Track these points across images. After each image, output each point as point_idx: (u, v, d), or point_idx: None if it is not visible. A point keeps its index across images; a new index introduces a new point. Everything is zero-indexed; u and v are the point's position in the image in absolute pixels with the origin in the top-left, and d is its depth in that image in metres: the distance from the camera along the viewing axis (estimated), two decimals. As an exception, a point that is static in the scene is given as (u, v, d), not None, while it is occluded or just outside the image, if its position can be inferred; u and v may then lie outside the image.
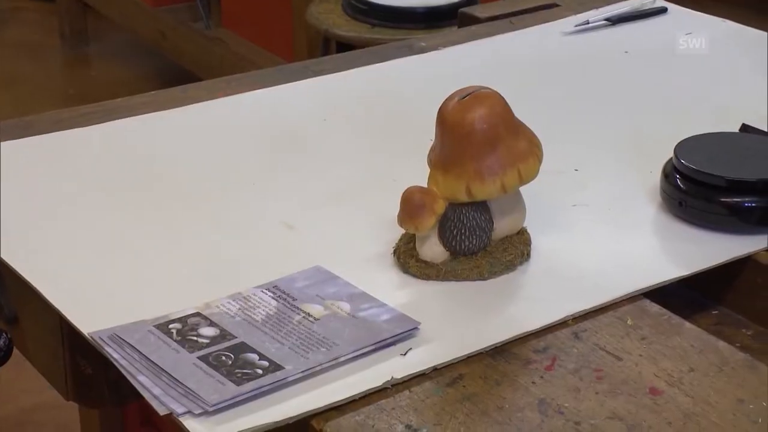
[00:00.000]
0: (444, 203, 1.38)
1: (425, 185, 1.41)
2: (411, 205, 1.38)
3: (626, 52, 2.09)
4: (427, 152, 1.44)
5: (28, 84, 4.37)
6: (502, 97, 1.43)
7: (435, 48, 2.13)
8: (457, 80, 1.82)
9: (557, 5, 2.35)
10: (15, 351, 1.46)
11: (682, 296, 1.47)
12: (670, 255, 1.52)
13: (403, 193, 1.39)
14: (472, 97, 1.40)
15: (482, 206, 1.40)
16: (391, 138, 1.46)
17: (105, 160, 1.74)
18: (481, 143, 1.37)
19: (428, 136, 1.47)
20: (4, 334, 1.37)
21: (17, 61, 4.64)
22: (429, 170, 1.42)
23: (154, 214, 1.59)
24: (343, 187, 1.61)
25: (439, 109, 1.41)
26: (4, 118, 1.88)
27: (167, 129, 1.85)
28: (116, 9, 4.30)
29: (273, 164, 1.74)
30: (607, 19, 2.14)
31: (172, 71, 3.99)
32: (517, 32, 2.19)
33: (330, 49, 2.99)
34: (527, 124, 1.76)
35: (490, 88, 1.44)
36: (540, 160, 1.43)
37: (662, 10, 2.22)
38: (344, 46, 2.86)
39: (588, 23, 2.14)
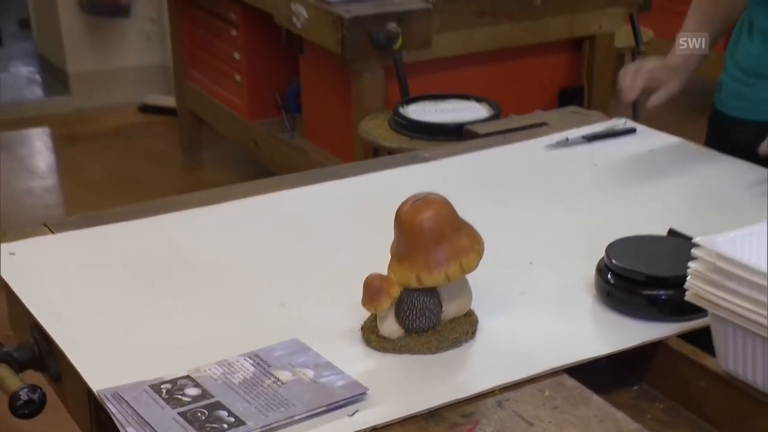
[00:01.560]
0: (399, 288, 1.40)
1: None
2: (371, 290, 1.41)
3: (596, 164, 2.07)
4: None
5: (152, 185, 4.45)
6: (448, 202, 1.45)
7: (435, 158, 2.14)
8: (447, 185, 1.86)
9: (546, 124, 2.34)
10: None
11: (613, 373, 1.47)
12: (594, 338, 1.50)
13: (365, 279, 1.42)
14: (421, 201, 1.43)
15: (432, 292, 1.41)
16: (378, 233, 1.47)
17: (140, 248, 1.77)
18: (429, 240, 1.39)
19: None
20: (39, 389, 1.39)
21: (145, 165, 4.75)
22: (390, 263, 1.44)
23: (172, 292, 1.62)
24: (331, 274, 1.63)
25: (396, 210, 1.44)
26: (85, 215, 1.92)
27: (196, 223, 1.87)
28: (222, 122, 4.38)
29: (279, 253, 1.75)
30: (584, 137, 2.13)
31: (264, 174, 4.04)
32: (507, 146, 2.19)
33: (380, 155, 3.01)
34: (502, 225, 1.78)
35: (438, 194, 1.46)
36: (480, 255, 1.44)
37: (632, 131, 2.22)
38: (391, 153, 2.89)
39: (567, 140, 2.13)
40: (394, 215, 1.43)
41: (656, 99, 2.08)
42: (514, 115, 2.63)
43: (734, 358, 1.34)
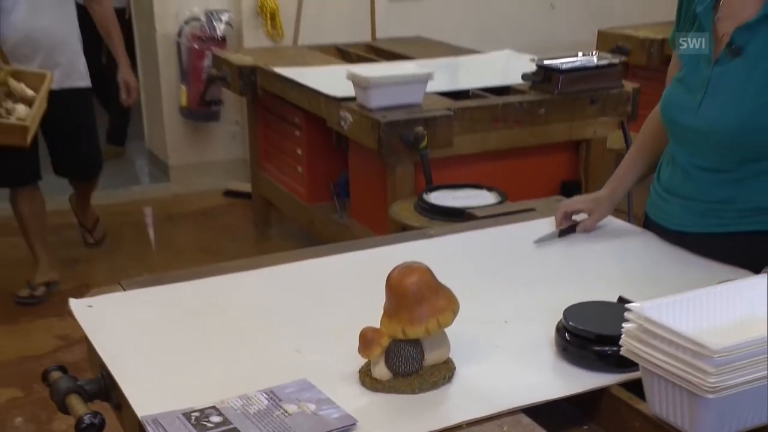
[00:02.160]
0: (388, 339, 1.42)
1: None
2: (365, 340, 1.43)
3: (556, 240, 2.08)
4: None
5: (228, 255, 4.48)
6: (429, 270, 1.46)
7: (440, 235, 2.15)
8: (446, 256, 1.92)
9: (534, 210, 2.33)
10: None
11: (569, 414, 1.47)
12: (551, 384, 1.47)
13: (361, 331, 1.44)
14: (407, 268, 1.44)
15: (415, 343, 1.43)
16: (381, 295, 1.49)
17: (187, 303, 1.80)
18: (412, 300, 1.40)
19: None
20: (99, 415, 1.42)
21: (225, 239, 4.81)
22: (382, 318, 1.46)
23: (208, 338, 1.64)
24: (338, 327, 1.62)
25: (387, 276, 1.45)
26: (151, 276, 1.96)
27: (235, 283, 1.89)
28: (287, 205, 4.43)
29: (299, 309, 1.76)
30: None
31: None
32: (498, 227, 2.19)
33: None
34: (484, 290, 1.79)
35: (421, 263, 1.47)
36: (455, 313, 1.44)
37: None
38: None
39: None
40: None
41: (582, 227, 2.12)
42: (509, 203, 2.64)
43: (660, 403, 1.34)
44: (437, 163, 3.25)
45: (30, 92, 3.35)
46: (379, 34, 5.40)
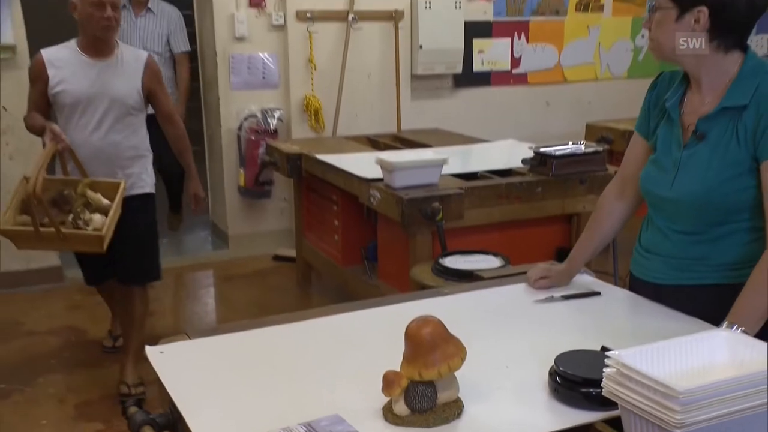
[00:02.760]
0: (407, 381, 1.42)
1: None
2: (387, 381, 1.44)
3: (552, 296, 2.06)
4: None
5: (276, 309, 4.48)
6: (441, 322, 1.46)
7: (452, 293, 2.14)
8: (457, 312, 1.90)
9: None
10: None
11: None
12: (545, 421, 1.46)
13: (383, 374, 1.44)
14: (422, 320, 1.45)
15: (429, 384, 1.42)
16: (401, 343, 1.49)
17: (241, 350, 1.80)
18: (427, 347, 1.41)
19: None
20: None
21: (273, 295, 4.81)
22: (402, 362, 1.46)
23: (258, 380, 1.64)
24: (366, 370, 1.58)
25: (406, 327, 1.46)
26: (210, 326, 1.95)
27: (284, 333, 1.89)
28: (324, 267, 4.45)
29: (335, 355, 1.76)
30: (563, 296, 2.07)
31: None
32: (501, 287, 2.17)
33: (427, 291, 3.03)
34: (490, 340, 1.77)
35: (434, 317, 1.47)
36: (463, 359, 1.45)
37: (596, 293, 2.10)
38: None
39: (552, 297, 2.07)
40: None
41: (539, 284, 2.13)
42: (510, 266, 2.63)
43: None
44: (451, 233, 3.26)
45: (106, 201, 3.12)
46: (403, 126, 5.47)
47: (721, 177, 1.83)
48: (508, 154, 4.13)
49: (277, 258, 5.37)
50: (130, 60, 3.30)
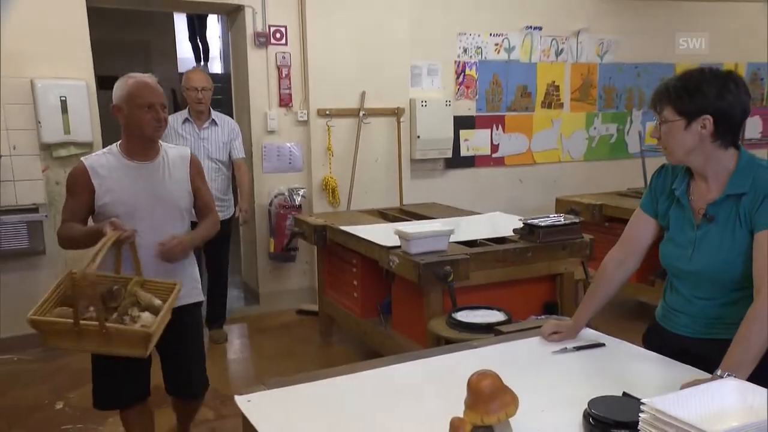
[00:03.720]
0: (470, 426, 1.39)
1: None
2: (453, 426, 1.41)
3: (567, 348, 2.02)
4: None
5: (302, 357, 4.42)
6: (498, 375, 1.43)
7: (482, 346, 2.11)
8: (489, 361, 1.81)
9: (540, 326, 2.21)
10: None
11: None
12: None
13: (451, 420, 1.41)
14: (482, 374, 1.43)
15: (489, 428, 1.39)
16: (452, 392, 1.44)
17: (312, 397, 1.74)
18: (487, 397, 1.39)
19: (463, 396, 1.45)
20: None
21: (299, 345, 4.71)
22: (464, 409, 1.41)
23: (341, 427, 1.58)
24: (431, 416, 1.56)
25: (468, 379, 1.43)
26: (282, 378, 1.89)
27: (343, 383, 1.84)
28: (345, 320, 4.37)
29: (399, 403, 1.70)
30: (575, 347, 2.03)
31: (369, 351, 3.99)
32: (520, 341, 2.13)
33: (440, 342, 2.98)
34: (525, 389, 1.70)
35: (492, 371, 1.44)
36: (516, 407, 1.42)
37: (601, 345, 2.06)
38: (448, 341, 2.85)
39: (566, 348, 2.03)
40: (461, 379, 1.43)
41: (552, 338, 2.09)
42: (522, 320, 2.57)
43: None
44: (459, 291, 3.23)
45: (157, 301, 2.40)
46: (405, 201, 5.48)
47: (731, 253, 1.85)
48: (498, 224, 4.13)
49: (301, 312, 5.29)
50: (176, 159, 2.63)
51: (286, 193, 5.22)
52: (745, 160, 1.87)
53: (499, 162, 6.20)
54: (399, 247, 3.40)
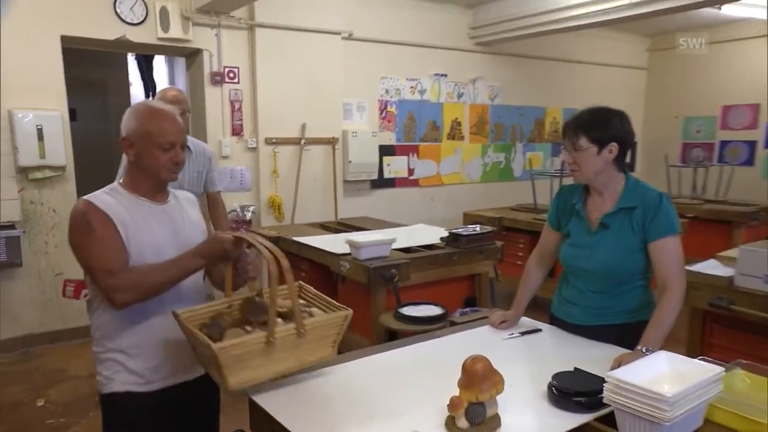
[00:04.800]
0: (466, 402, 1.37)
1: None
2: (453, 403, 1.39)
3: (514, 333, 2.03)
4: (456, 382, 1.41)
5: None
6: (487, 359, 1.42)
7: (443, 335, 2.05)
8: (455, 346, 1.78)
9: (487, 317, 2.20)
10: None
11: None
12: (553, 421, 1.42)
13: (451, 399, 1.39)
14: (476, 358, 1.41)
15: (482, 404, 1.37)
16: (440, 375, 1.41)
17: (331, 386, 1.65)
18: (480, 377, 1.38)
19: (449, 376, 1.43)
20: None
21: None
22: (459, 388, 1.39)
23: (338, 413, 1.51)
24: (427, 396, 1.53)
25: (463, 363, 1.41)
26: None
27: (353, 371, 1.74)
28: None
29: (391, 387, 1.62)
30: (520, 333, 2.03)
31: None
32: (474, 329, 2.10)
33: (391, 335, 2.94)
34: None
35: (483, 355, 1.42)
36: (503, 385, 1.41)
37: (539, 330, 2.07)
38: (394, 334, 2.82)
39: (512, 334, 2.03)
40: (440, 362, 1.41)
41: (502, 326, 2.09)
42: (467, 310, 2.56)
43: (626, 427, 1.32)
44: (403, 289, 3.21)
45: (290, 303, 1.58)
46: (339, 216, 5.43)
47: (623, 254, 1.88)
48: (423, 233, 4.15)
49: (252, 312, 5.09)
50: (185, 202, 1.83)
51: (238, 210, 5.05)
52: (632, 181, 1.93)
53: (415, 183, 6.26)
54: (349, 254, 3.35)
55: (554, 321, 2.11)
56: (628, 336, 1.86)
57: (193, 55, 4.83)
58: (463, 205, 6.23)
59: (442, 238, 3.70)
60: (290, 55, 5.06)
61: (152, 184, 1.70)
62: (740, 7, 5.67)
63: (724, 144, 7.37)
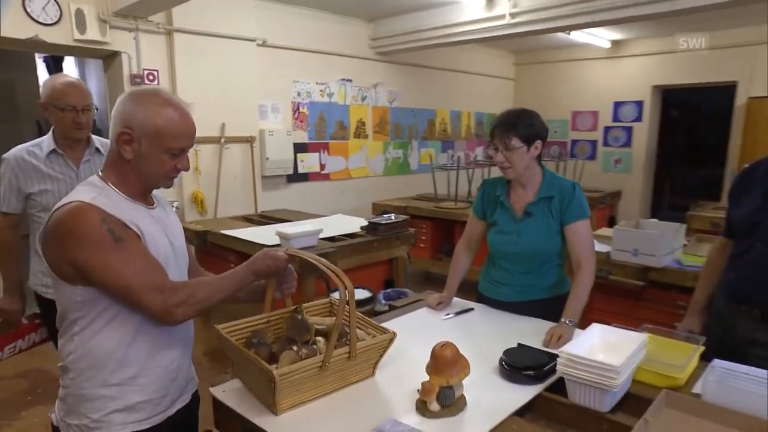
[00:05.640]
0: (437, 387, 1.29)
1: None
2: (425, 389, 1.31)
3: (449, 315, 1.95)
4: (424, 368, 1.32)
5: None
6: (454, 345, 1.33)
7: (387, 320, 1.90)
8: (401, 330, 1.64)
9: (422, 299, 2.11)
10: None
11: (517, 412, 1.33)
12: (509, 395, 1.37)
13: (423, 384, 1.31)
14: (444, 345, 1.33)
15: (450, 387, 1.30)
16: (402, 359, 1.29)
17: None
18: (450, 362, 1.31)
19: (410, 359, 1.32)
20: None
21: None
22: (429, 374, 1.31)
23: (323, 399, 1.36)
24: (394, 383, 1.42)
25: (432, 349, 1.32)
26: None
27: None
28: (225, 308, 3.90)
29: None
30: (456, 312, 1.96)
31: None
32: (413, 312, 1.99)
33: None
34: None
35: (450, 342, 1.33)
36: (469, 369, 1.33)
37: (472, 309, 2.00)
38: None
39: (448, 313, 1.96)
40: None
41: (438, 307, 2.02)
42: (389, 291, 2.37)
43: (579, 396, 1.32)
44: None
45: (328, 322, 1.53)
46: (259, 208, 5.14)
47: (545, 237, 1.89)
48: (342, 223, 4.02)
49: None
50: (165, 204, 1.41)
51: (163, 206, 4.60)
52: (549, 174, 1.94)
53: (326, 177, 6.07)
54: (278, 245, 3.14)
55: (482, 299, 2.08)
56: (550, 309, 1.88)
57: (110, 57, 4.30)
58: (369, 196, 6.17)
59: (362, 227, 3.59)
60: (208, 59, 4.66)
61: (144, 187, 1.28)
62: (584, 35, 6.30)
63: (574, 142, 7.90)
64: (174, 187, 4.64)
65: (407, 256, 3.71)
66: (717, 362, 1.37)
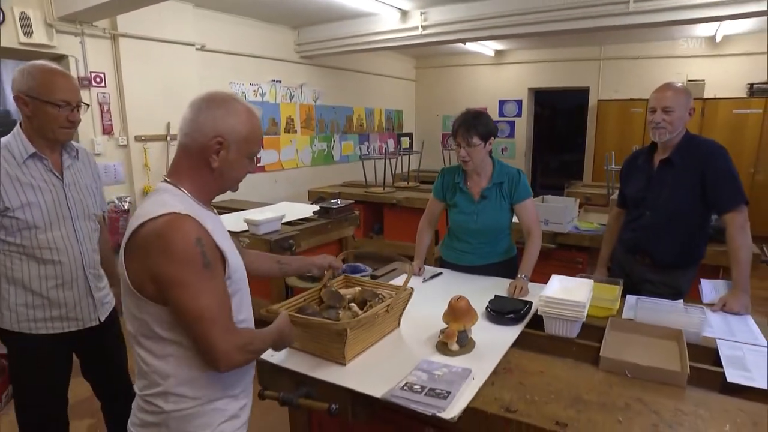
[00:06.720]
0: (456, 331, 1.38)
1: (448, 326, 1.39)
2: (448, 333, 1.40)
3: (433, 274, 2.08)
4: (430, 319, 1.42)
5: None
6: (467, 298, 1.41)
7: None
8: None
9: (396, 269, 2.09)
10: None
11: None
12: (499, 333, 1.46)
13: (448, 328, 1.39)
14: (459, 298, 1.42)
15: (465, 331, 1.40)
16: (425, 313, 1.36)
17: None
18: (465, 311, 1.40)
19: (433, 314, 1.41)
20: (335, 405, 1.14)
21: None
22: (448, 321, 1.38)
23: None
24: (414, 330, 1.48)
25: (449, 301, 1.40)
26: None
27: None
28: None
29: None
30: (430, 277, 1.95)
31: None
32: (395, 279, 1.96)
33: (287, 295, 2.71)
34: (428, 304, 1.64)
35: (463, 296, 1.41)
36: (477, 316, 1.42)
37: (441, 273, 1.98)
38: (301, 289, 2.58)
39: (425, 279, 1.96)
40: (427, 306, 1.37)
41: (420, 272, 2.03)
42: (345, 267, 2.32)
43: (554, 328, 1.47)
44: (297, 254, 3.03)
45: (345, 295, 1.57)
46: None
47: (498, 215, 1.97)
48: (293, 209, 3.96)
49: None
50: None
51: (116, 201, 4.20)
52: (498, 163, 1.99)
53: (261, 169, 5.87)
54: (246, 231, 3.06)
55: (444, 264, 2.11)
56: (504, 269, 2.00)
57: (57, 60, 3.80)
58: (300, 185, 6.09)
59: (314, 212, 3.59)
60: (152, 62, 4.29)
61: (217, 193, 1.12)
62: (474, 45, 6.67)
63: (466, 133, 8.33)
64: (125, 183, 4.29)
65: (353, 236, 3.78)
66: (632, 297, 1.64)
